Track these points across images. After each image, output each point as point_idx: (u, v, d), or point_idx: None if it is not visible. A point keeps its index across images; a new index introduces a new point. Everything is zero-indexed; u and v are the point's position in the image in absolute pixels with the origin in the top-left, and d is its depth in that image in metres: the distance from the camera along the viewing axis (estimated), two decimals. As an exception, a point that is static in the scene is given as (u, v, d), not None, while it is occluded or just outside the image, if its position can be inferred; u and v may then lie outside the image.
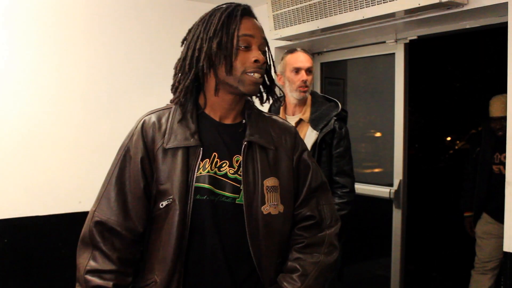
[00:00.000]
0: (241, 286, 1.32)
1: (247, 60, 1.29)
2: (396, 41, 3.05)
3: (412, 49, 3.08)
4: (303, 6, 2.97)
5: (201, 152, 1.30)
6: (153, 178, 1.29)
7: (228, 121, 1.38)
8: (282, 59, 2.43)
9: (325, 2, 2.83)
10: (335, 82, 3.82)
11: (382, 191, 3.19)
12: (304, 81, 2.35)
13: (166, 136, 1.29)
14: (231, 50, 1.28)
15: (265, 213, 1.31)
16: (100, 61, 3.07)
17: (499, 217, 3.13)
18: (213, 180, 1.29)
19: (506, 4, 2.24)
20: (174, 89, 1.36)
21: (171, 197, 1.26)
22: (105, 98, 3.08)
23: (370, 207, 3.51)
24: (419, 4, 2.40)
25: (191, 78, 1.32)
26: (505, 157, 2.61)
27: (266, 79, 1.43)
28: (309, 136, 2.34)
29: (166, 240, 1.26)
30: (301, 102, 2.41)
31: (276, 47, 3.40)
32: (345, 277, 3.91)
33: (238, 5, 1.34)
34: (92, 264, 1.25)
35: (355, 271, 3.90)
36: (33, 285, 2.86)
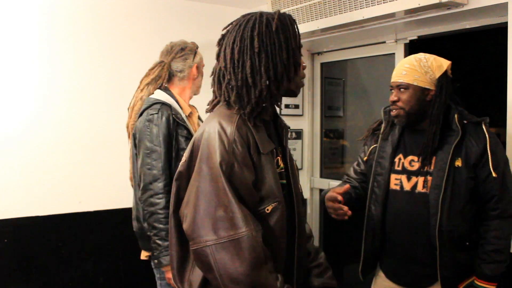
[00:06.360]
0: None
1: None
2: (396, 41, 3.05)
3: (412, 49, 3.08)
4: (303, 6, 2.97)
5: (275, 152, 1.38)
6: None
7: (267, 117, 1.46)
8: (197, 48, 2.35)
9: (325, 2, 2.83)
10: (335, 82, 3.82)
11: (382, 191, 3.17)
12: None
13: (258, 142, 1.32)
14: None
15: (301, 191, 1.52)
16: (101, 61, 3.07)
17: (403, 280, 2.00)
18: (282, 174, 1.40)
19: (506, 4, 2.24)
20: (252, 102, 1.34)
21: (276, 199, 1.34)
22: (105, 98, 3.08)
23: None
24: (419, 4, 2.40)
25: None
26: (412, 162, 1.83)
27: None
28: None
29: (279, 236, 1.35)
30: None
31: (276, 47, 3.39)
32: (345, 277, 3.91)
33: None
34: (279, 277, 1.32)
35: (355, 271, 3.90)
36: (33, 285, 2.86)
